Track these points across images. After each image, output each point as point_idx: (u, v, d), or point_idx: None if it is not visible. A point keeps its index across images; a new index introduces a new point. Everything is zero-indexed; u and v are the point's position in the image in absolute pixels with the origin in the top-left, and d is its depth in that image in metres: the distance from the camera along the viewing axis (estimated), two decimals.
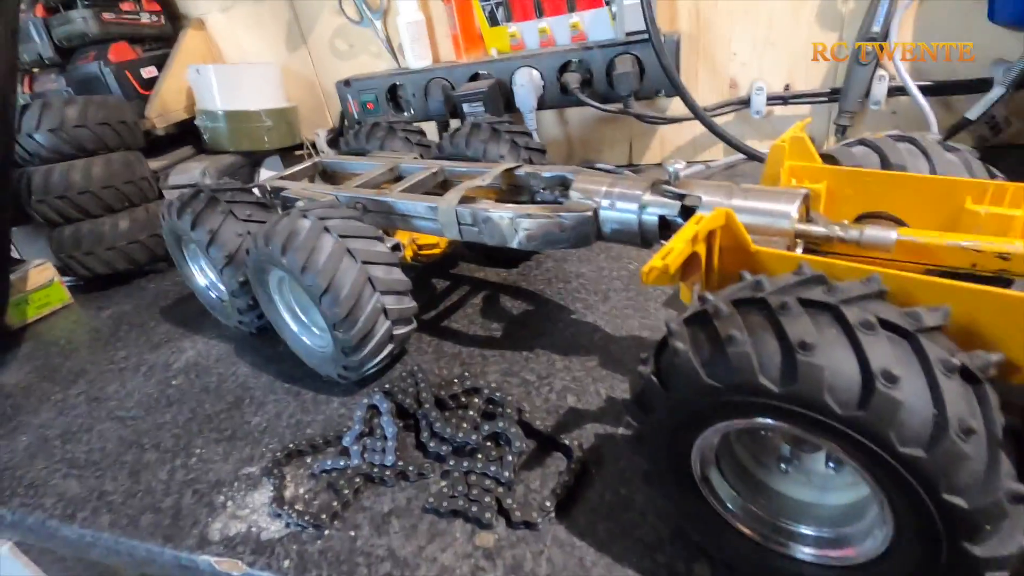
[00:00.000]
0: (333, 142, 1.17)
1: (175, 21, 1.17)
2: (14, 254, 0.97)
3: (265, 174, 1.15)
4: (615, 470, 0.43)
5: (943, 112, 0.82)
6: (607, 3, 0.88)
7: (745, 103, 0.90)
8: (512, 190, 0.60)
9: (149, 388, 0.66)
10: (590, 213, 0.46)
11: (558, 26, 0.92)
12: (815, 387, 0.24)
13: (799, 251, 0.40)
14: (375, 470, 0.46)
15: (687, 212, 0.43)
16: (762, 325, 0.27)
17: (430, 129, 1.05)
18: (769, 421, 0.28)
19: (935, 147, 0.43)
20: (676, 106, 0.95)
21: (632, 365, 0.54)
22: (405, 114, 1.04)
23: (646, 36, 0.77)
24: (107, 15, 1.02)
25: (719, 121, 0.94)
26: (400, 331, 0.54)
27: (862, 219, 0.44)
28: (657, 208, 0.44)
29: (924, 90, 0.80)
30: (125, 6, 1.06)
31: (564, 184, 0.54)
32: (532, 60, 0.92)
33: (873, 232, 0.36)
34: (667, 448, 0.32)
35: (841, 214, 0.44)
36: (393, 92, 1.04)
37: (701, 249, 0.34)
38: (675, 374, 0.29)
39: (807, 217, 0.41)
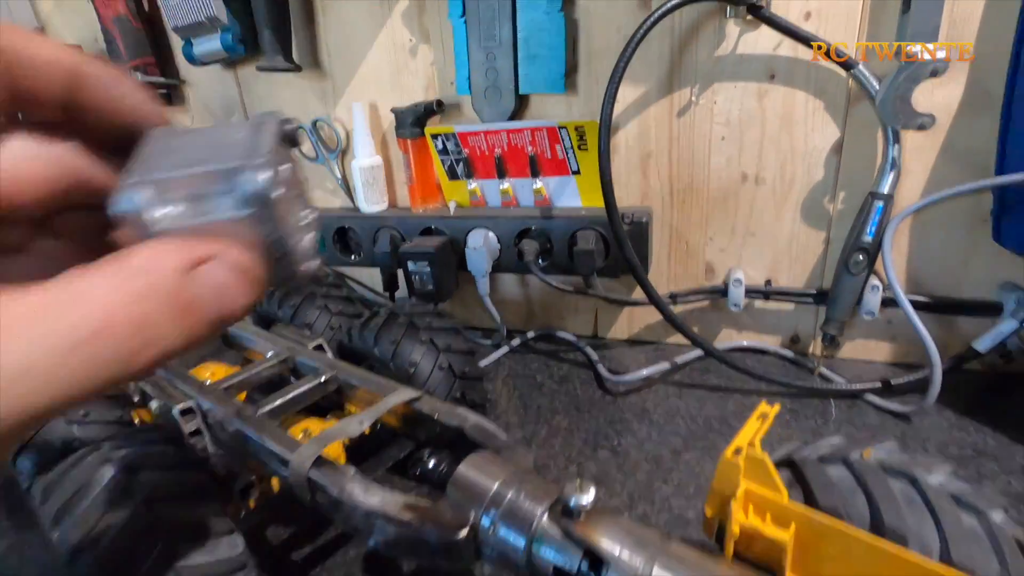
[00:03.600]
0: None
1: None
2: None
3: None
4: None
5: (945, 331, 0.72)
6: (574, 172, 0.80)
7: (722, 292, 0.79)
8: (408, 423, 0.48)
9: None
10: (462, 535, 0.33)
11: (521, 188, 0.85)
12: None
13: None
14: None
15: (596, 567, 0.30)
16: None
17: (376, 276, 0.95)
18: None
19: (945, 504, 0.31)
20: None
21: None
22: (352, 257, 0.95)
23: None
24: None
25: (692, 308, 0.84)
26: None
27: None
28: (551, 551, 0.31)
29: (923, 307, 0.70)
30: None
31: (462, 446, 0.41)
32: (489, 221, 0.83)
33: None
34: None
35: None
36: (343, 234, 0.95)
37: None
38: None
39: None
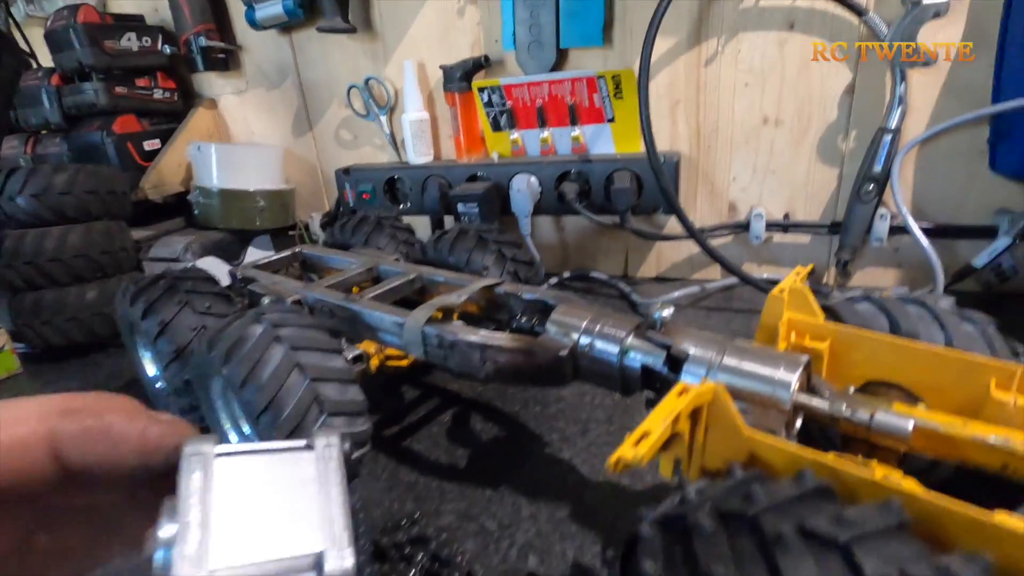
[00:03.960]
0: (327, 226, 1.15)
1: (188, 99, 1.20)
2: None
3: (253, 252, 1.12)
4: None
5: (946, 254, 0.80)
6: (609, 120, 0.89)
7: (744, 227, 0.88)
8: (490, 307, 0.56)
9: None
10: (565, 352, 0.41)
11: (560, 136, 0.93)
12: None
13: (798, 423, 0.35)
14: None
15: (674, 362, 0.38)
16: (752, 558, 0.21)
17: (424, 224, 1.03)
18: None
19: (949, 316, 0.39)
20: (674, 223, 0.93)
21: (606, 522, 0.47)
22: (401, 206, 1.03)
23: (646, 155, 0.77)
24: (119, 88, 1.04)
25: (717, 243, 0.92)
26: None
27: (869, 388, 0.39)
28: (640, 355, 0.39)
29: (926, 232, 0.78)
30: (140, 81, 1.08)
31: (544, 310, 0.50)
32: (531, 167, 0.91)
33: (886, 418, 0.31)
34: None
35: (845, 379, 0.39)
36: (391, 184, 1.03)
37: (685, 426, 0.29)
38: None
39: (808, 384, 0.36)
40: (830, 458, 0.26)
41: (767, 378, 0.33)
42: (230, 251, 1.09)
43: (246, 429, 0.54)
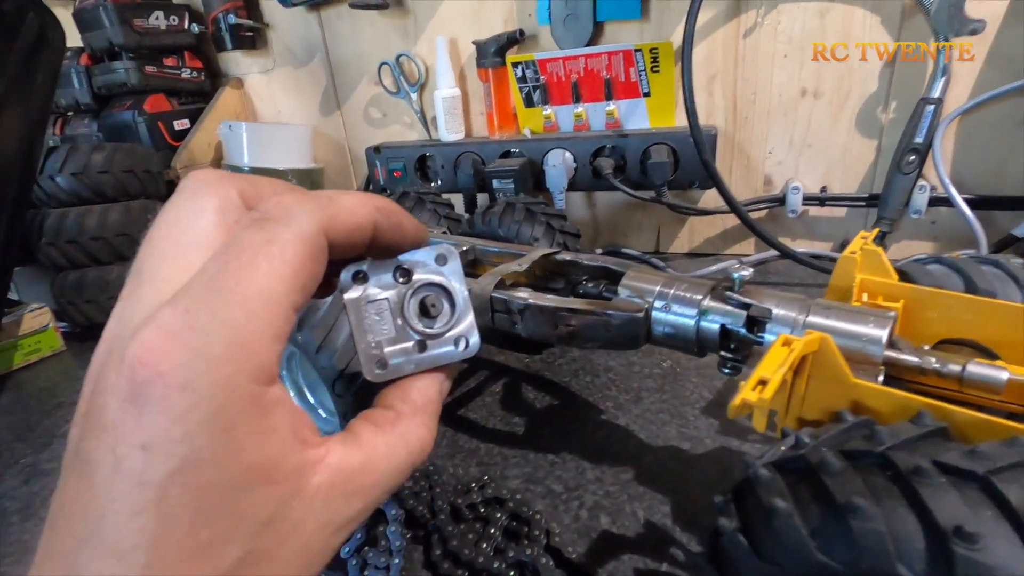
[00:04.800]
0: None
1: (215, 79, 1.20)
2: (12, 295, 0.93)
3: None
4: None
5: (986, 225, 0.80)
6: (644, 94, 0.88)
7: (780, 201, 0.88)
8: (546, 277, 0.57)
9: None
10: (641, 314, 0.42)
11: (594, 112, 0.93)
12: None
13: (879, 380, 0.36)
14: None
15: (751, 324, 0.39)
16: (891, 493, 0.22)
17: (455, 202, 1.03)
18: None
19: None
20: (707, 199, 0.94)
21: (671, 483, 0.48)
22: (432, 184, 1.03)
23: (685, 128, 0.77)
24: (149, 68, 1.04)
25: (752, 217, 0.92)
26: None
27: (944, 346, 0.40)
28: (719, 316, 0.40)
29: (966, 203, 0.78)
30: (168, 61, 1.08)
31: (608, 276, 0.50)
32: (565, 142, 0.91)
33: (979, 369, 0.32)
34: None
35: (919, 338, 0.40)
36: (422, 162, 1.04)
37: (788, 376, 0.29)
38: (771, 539, 0.24)
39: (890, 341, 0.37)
40: (939, 403, 0.27)
41: (857, 334, 0.34)
42: None
43: (311, 397, 0.55)
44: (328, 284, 0.22)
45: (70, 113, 1.15)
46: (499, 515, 0.43)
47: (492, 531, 0.42)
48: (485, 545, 0.41)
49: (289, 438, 0.17)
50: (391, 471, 0.20)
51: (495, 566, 0.39)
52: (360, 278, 0.22)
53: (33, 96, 0.79)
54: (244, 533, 0.16)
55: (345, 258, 0.21)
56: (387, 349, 0.22)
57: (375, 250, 0.22)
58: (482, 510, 0.45)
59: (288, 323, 0.18)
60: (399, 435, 0.21)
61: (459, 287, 0.23)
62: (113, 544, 0.15)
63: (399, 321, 0.22)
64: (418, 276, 0.23)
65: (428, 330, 0.23)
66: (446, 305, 0.23)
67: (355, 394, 0.45)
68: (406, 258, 0.22)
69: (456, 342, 0.23)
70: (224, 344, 0.16)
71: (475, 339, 0.23)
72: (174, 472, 0.15)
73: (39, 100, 0.80)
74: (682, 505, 0.46)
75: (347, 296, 0.21)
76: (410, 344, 0.22)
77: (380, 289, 0.22)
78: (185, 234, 0.19)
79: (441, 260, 0.23)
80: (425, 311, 0.23)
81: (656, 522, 0.44)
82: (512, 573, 0.39)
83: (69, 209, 0.84)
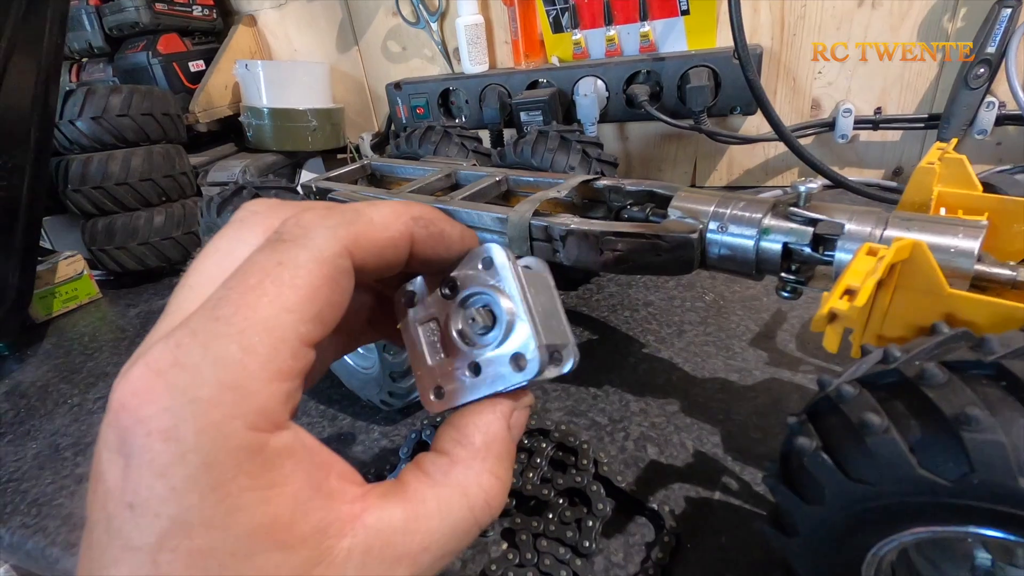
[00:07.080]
0: (378, 147, 1.12)
1: (227, 16, 1.15)
2: (45, 244, 0.94)
3: (306, 175, 1.11)
4: (715, 547, 0.36)
5: None
6: (683, 12, 0.82)
7: (829, 126, 0.82)
8: (586, 205, 0.54)
9: None
10: (695, 235, 0.39)
11: (627, 35, 0.86)
12: None
13: None
14: None
15: (817, 242, 0.36)
16: (1008, 404, 0.19)
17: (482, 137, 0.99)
18: (1001, 535, 0.20)
19: None
20: (747, 127, 0.88)
21: (720, 414, 0.47)
22: (457, 120, 0.99)
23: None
24: (159, 5, 1.00)
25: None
26: None
27: None
28: (782, 235, 0.37)
29: None
30: None
31: (655, 200, 0.47)
32: (597, 70, 0.86)
33: None
34: (827, 554, 0.24)
35: (1005, 255, 0.37)
36: (445, 97, 0.99)
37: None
38: (865, 457, 0.22)
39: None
40: None
41: (945, 246, 0.31)
42: (283, 174, 1.07)
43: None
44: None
45: (84, 59, 1.12)
46: (544, 445, 0.42)
47: (538, 460, 0.41)
48: (532, 474, 0.40)
49: (305, 493, 0.15)
50: (445, 531, 0.17)
51: (544, 492, 0.38)
52: (409, 299, 0.21)
53: (44, 38, 0.76)
54: None
55: (383, 276, 0.19)
56: (441, 375, 0.20)
57: (416, 264, 0.19)
58: (526, 441, 0.44)
59: (298, 359, 0.15)
60: (455, 486, 0.18)
61: (513, 290, 0.19)
62: None
63: (449, 342, 0.20)
64: (466, 288, 0.20)
65: (475, 349, 0.19)
66: (499, 316, 0.19)
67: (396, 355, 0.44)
68: (458, 270, 0.20)
69: (515, 360, 0.19)
70: (213, 384, 0.14)
71: (533, 354, 0.18)
72: (163, 536, 0.13)
73: (51, 42, 0.77)
74: (733, 435, 0.44)
75: (401, 323, 0.20)
76: (463, 367, 0.20)
77: (428, 309, 0.20)
78: (218, 265, 0.17)
79: (487, 263, 0.19)
80: (476, 327, 0.20)
81: (706, 452, 0.43)
82: (561, 501, 0.38)
83: (92, 155, 0.83)
